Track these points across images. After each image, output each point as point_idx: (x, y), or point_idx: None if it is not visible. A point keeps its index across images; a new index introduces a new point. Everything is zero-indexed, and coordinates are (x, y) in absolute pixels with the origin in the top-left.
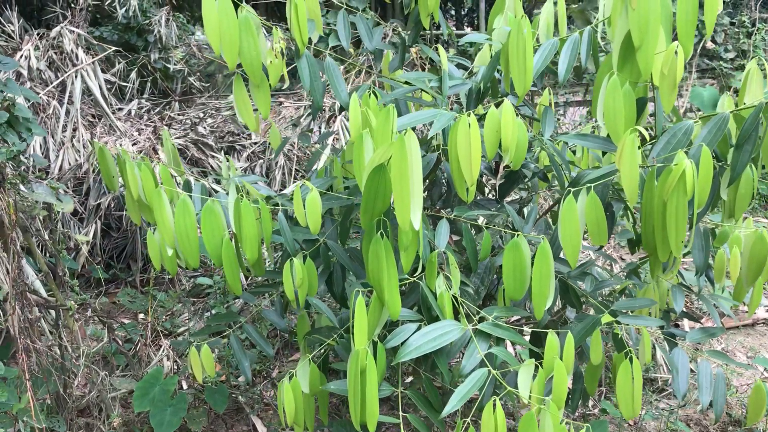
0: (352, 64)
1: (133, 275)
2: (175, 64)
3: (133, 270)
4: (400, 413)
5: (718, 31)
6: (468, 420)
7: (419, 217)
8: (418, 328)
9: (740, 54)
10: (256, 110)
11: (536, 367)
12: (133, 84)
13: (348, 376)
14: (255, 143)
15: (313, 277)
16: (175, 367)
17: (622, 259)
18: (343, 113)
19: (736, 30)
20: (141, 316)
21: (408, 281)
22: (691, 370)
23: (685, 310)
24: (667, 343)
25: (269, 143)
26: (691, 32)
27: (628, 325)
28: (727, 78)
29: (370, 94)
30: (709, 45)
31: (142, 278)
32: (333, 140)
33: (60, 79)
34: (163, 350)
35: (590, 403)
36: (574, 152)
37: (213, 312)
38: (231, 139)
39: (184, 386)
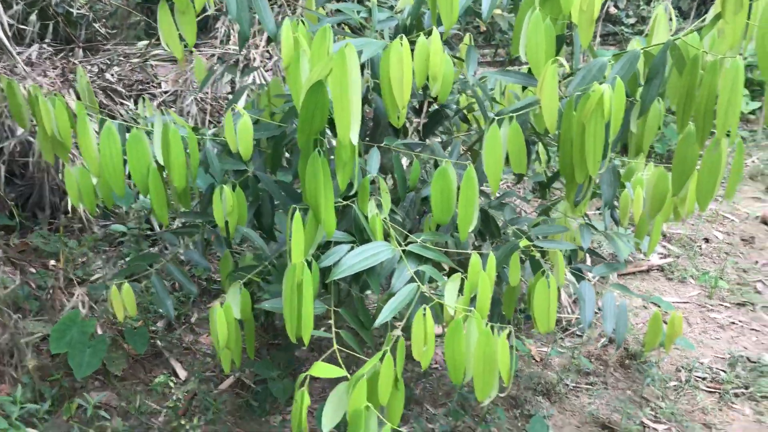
0: None
1: (40, 224)
2: (78, 9)
3: (40, 219)
4: (333, 329)
5: None
6: (398, 333)
7: (357, 133)
8: (351, 249)
9: (640, 20)
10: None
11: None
12: (34, 28)
13: (284, 292)
14: (165, 92)
15: (243, 205)
16: (91, 314)
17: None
18: (261, 52)
19: None
20: (52, 263)
21: (341, 205)
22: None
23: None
24: (575, 277)
25: (180, 91)
26: None
27: (543, 249)
28: (629, 42)
29: (298, 23)
30: (612, 10)
31: (50, 227)
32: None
33: None
34: (78, 297)
35: None
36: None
37: (128, 260)
38: (140, 87)
39: (100, 331)
